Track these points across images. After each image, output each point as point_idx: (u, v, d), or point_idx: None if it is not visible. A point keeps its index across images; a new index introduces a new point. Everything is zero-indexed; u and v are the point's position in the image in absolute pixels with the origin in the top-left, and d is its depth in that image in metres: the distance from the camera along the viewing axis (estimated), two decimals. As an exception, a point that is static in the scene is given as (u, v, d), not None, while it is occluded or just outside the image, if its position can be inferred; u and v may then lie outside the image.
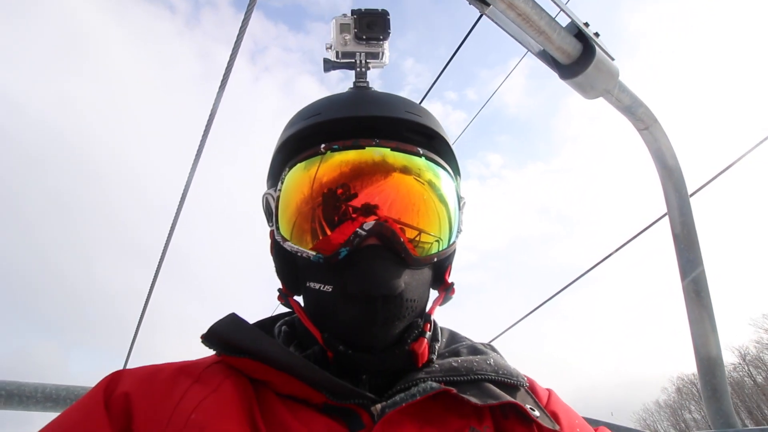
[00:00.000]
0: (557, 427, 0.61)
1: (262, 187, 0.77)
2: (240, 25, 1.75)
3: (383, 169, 0.64)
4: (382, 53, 0.91)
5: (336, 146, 0.64)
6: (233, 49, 1.82)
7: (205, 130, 2.17)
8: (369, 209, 0.63)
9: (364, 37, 0.88)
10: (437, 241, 0.68)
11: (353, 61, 0.90)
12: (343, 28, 0.89)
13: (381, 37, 0.88)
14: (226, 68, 1.90)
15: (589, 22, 1.51)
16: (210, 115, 2.12)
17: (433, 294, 0.74)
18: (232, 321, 0.62)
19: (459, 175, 0.76)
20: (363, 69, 0.89)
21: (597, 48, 1.49)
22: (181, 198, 2.57)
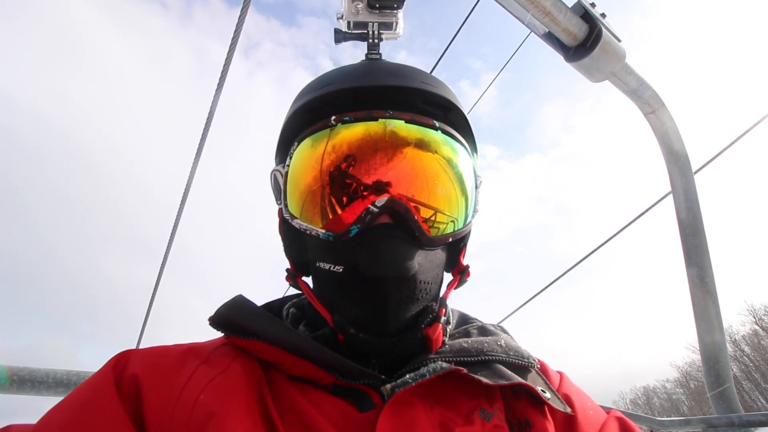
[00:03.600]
0: (568, 410, 0.59)
1: (262, 177, 0.74)
2: (235, 22, 1.74)
3: (396, 144, 0.61)
4: (396, 23, 0.85)
5: (347, 118, 0.61)
6: (230, 47, 1.80)
7: (205, 126, 2.16)
8: (381, 187, 0.59)
9: (377, 5, 0.82)
10: (452, 221, 0.65)
11: (365, 32, 0.85)
12: None
13: (395, 6, 0.83)
14: (224, 67, 1.89)
15: (595, 2, 1.48)
16: (210, 111, 2.11)
17: (447, 278, 0.71)
18: (239, 303, 0.61)
19: (476, 151, 0.72)
20: (375, 40, 0.83)
21: (604, 29, 1.46)
22: (184, 192, 2.58)
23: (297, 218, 0.63)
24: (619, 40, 1.51)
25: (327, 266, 0.62)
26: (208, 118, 2.14)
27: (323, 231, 0.60)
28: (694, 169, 1.94)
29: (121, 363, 0.55)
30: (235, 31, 1.76)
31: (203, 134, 2.21)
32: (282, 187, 0.66)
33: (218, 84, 1.96)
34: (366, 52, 0.83)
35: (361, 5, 0.83)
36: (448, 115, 0.67)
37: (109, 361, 0.56)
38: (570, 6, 1.45)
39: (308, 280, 0.71)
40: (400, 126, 0.61)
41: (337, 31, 0.87)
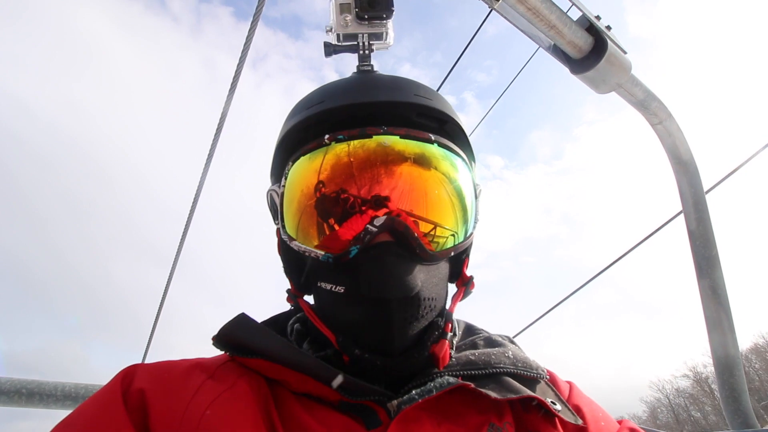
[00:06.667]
0: (580, 421, 0.59)
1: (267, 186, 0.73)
2: (245, 36, 1.77)
3: (393, 159, 0.60)
4: (386, 33, 0.84)
5: (341, 136, 0.60)
6: (239, 61, 1.83)
7: (215, 135, 2.19)
8: (379, 201, 0.58)
9: (366, 16, 0.81)
10: (453, 235, 0.64)
11: (355, 43, 0.84)
12: (343, 8, 0.82)
13: (384, 16, 0.82)
14: (233, 80, 1.92)
15: (600, 15, 1.48)
16: (219, 121, 2.14)
17: (452, 289, 0.70)
18: (242, 322, 0.60)
19: (474, 161, 0.71)
20: (366, 51, 0.83)
21: (609, 41, 1.46)
22: (194, 200, 2.60)
23: (295, 240, 0.63)
24: (625, 52, 1.52)
25: (328, 287, 0.61)
26: (218, 128, 2.17)
27: (322, 253, 0.60)
28: (705, 189, 1.92)
29: (128, 377, 0.55)
30: (244, 45, 1.80)
31: (213, 142, 2.24)
32: (279, 208, 0.65)
33: (228, 94, 1.99)
34: (357, 64, 0.82)
35: (349, 17, 0.82)
36: (444, 127, 0.67)
37: (117, 375, 0.56)
38: (575, 19, 1.46)
39: (310, 299, 0.70)
40: (395, 141, 0.60)
41: (327, 45, 0.86)
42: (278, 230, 0.69)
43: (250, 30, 1.77)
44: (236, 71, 1.90)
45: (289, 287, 0.71)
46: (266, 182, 0.74)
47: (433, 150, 0.62)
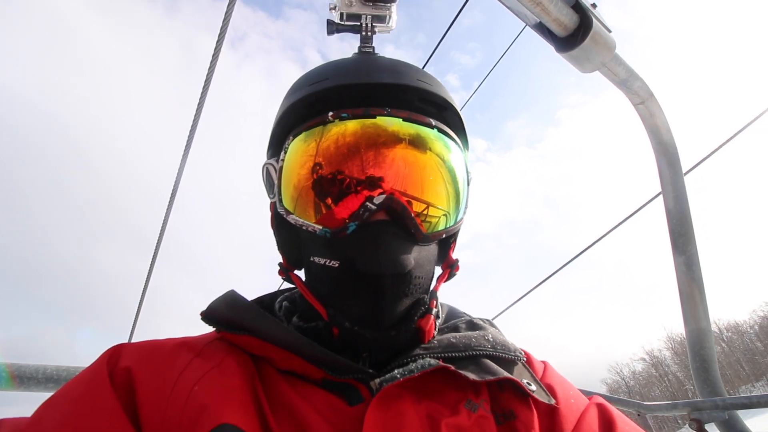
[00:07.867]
0: (553, 401, 0.61)
1: (255, 168, 0.74)
2: (223, 14, 1.70)
3: (394, 141, 0.62)
4: (389, 16, 0.86)
5: (345, 114, 0.61)
6: (217, 41, 1.77)
7: (194, 119, 2.13)
8: (374, 182, 0.60)
9: None
10: (445, 215, 0.66)
11: (358, 24, 0.84)
12: None
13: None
14: (212, 60, 1.85)
15: (586, -7, 1.47)
16: (198, 104, 2.07)
17: (437, 271, 0.73)
18: (231, 298, 0.61)
19: (467, 148, 0.74)
20: (369, 33, 0.84)
21: (594, 19, 1.46)
22: (175, 183, 2.55)
23: (292, 213, 0.63)
24: (609, 31, 1.52)
25: (322, 261, 0.63)
26: (197, 110, 2.11)
27: (320, 227, 0.61)
28: (684, 170, 1.96)
29: (115, 356, 0.55)
30: (222, 25, 1.73)
31: (193, 125, 2.18)
32: (276, 182, 0.66)
33: (207, 77, 1.93)
34: (359, 45, 0.82)
35: None
36: (444, 114, 0.68)
37: (103, 354, 0.56)
38: (561, -5, 1.44)
39: (300, 274, 0.71)
40: (397, 123, 0.62)
41: (329, 23, 0.86)
42: (272, 205, 0.70)
43: (227, 10, 1.70)
44: (214, 52, 1.84)
45: (281, 261, 0.72)
46: (252, 166, 0.75)
47: (432, 134, 0.64)
